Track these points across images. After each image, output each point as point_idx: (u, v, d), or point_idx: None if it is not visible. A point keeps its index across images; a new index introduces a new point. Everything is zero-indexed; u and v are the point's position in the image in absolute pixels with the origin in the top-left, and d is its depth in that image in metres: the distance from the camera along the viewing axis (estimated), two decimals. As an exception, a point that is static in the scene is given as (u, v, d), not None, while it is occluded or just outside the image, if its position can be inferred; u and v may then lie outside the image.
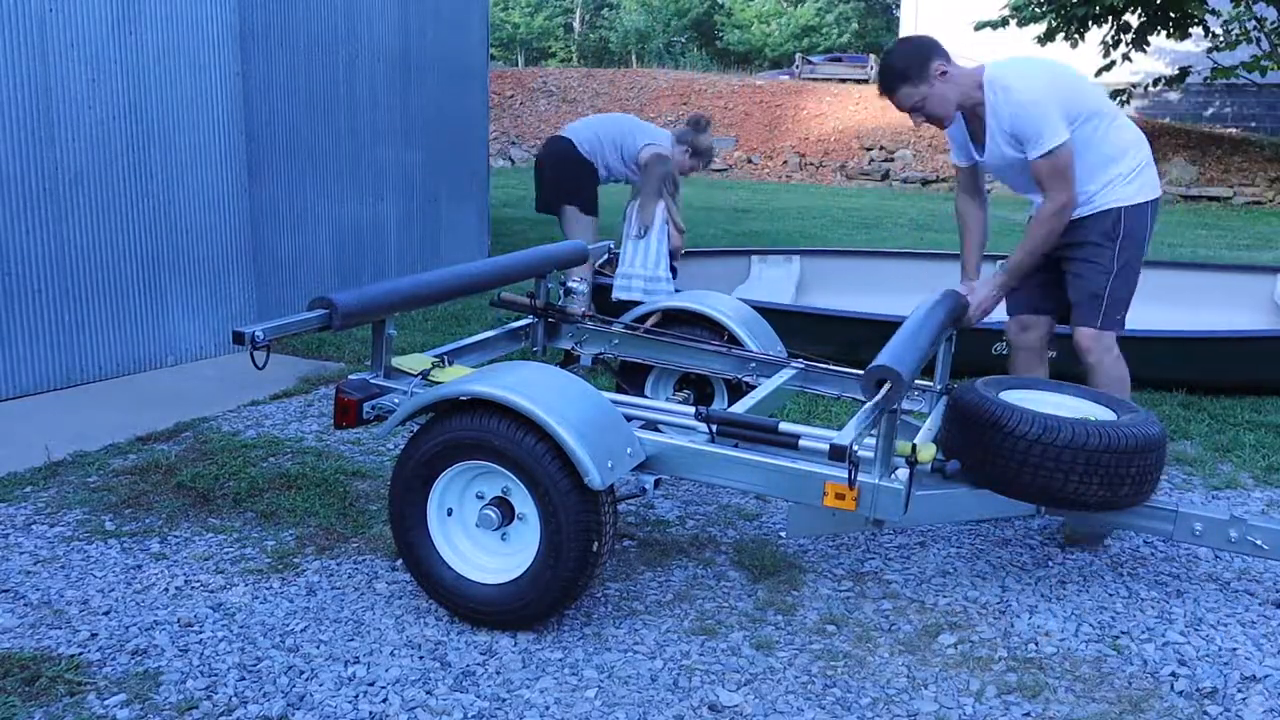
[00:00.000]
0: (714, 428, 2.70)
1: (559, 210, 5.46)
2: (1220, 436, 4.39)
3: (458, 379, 2.71)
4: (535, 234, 9.98)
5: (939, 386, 3.36)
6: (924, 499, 2.73)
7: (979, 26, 17.66)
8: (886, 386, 2.41)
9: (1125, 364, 3.48)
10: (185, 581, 2.90)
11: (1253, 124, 20.00)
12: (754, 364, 3.59)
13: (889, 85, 3.38)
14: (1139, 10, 16.36)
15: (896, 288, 6.47)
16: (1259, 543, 2.77)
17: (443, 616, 2.73)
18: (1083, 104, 3.30)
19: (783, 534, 3.33)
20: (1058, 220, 3.31)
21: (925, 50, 3.32)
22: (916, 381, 3.27)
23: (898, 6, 29.49)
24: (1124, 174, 3.36)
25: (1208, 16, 15.90)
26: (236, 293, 5.44)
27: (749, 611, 2.82)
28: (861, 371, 3.49)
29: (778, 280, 6.80)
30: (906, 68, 3.32)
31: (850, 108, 21.46)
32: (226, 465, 3.74)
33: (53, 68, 4.44)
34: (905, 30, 23.48)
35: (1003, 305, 3.61)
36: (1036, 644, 2.68)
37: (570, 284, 3.95)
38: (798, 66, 27.98)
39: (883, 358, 2.45)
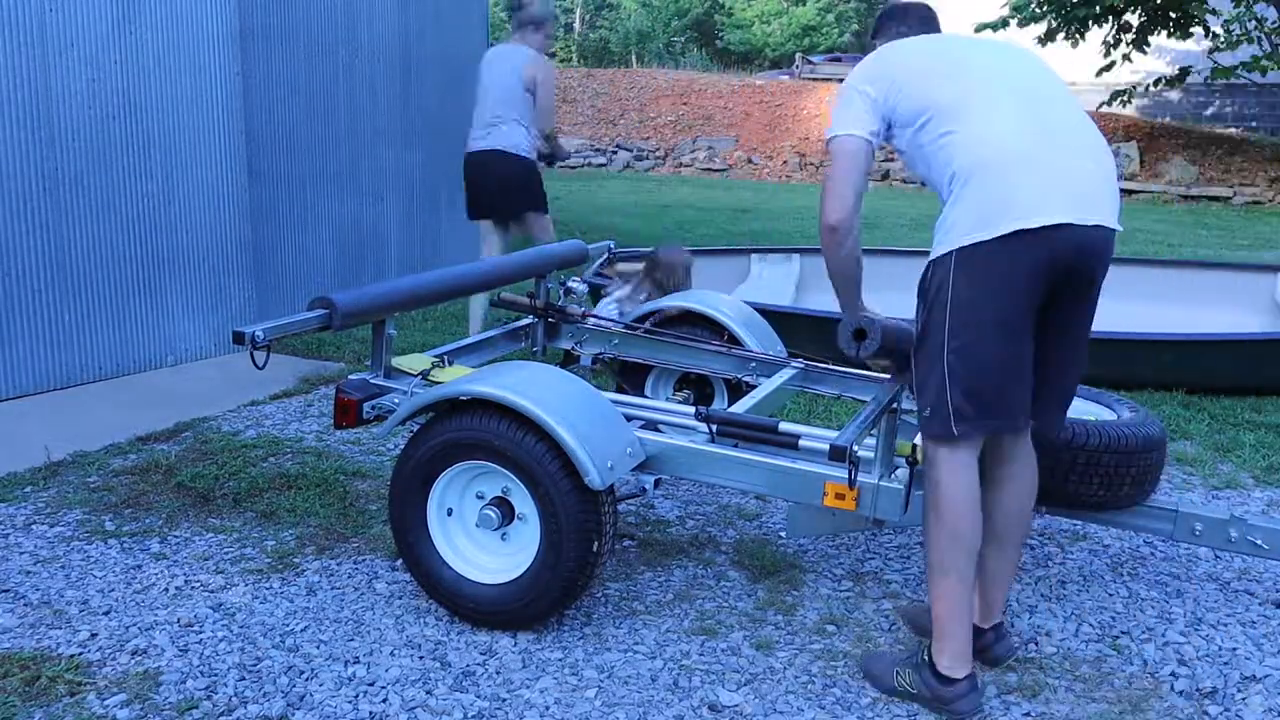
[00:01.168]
0: (714, 428, 2.70)
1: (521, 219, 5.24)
2: (1220, 436, 4.38)
3: (458, 379, 2.71)
4: (535, 234, 9.97)
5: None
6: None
7: (979, 28, 17.62)
8: (866, 339, 2.34)
9: (967, 489, 2.25)
10: (185, 581, 2.90)
11: (1253, 124, 19.98)
12: (754, 364, 3.59)
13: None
14: (1139, 10, 16.35)
15: (896, 287, 6.45)
16: (1259, 543, 2.77)
17: (443, 616, 2.73)
18: (947, 97, 2.26)
19: (783, 534, 3.33)
20: (824, 241, 2.40)
21: (877, 27, 2.62)
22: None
23: (898, 6, 29.36)
24: (968, 203, 2.19)
25: (1208, 16, 15.89)
26: (236, 293, 5.44)
27: (749, 611, 2.82)
28: (861, 372, 3.52)
29: (778, 279, 6.80)
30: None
31: (850, 108, 21.41)
32: (226, 465, 3.74)
33: (52, 68, 4.44)
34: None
35: None
36: (1036, 644, 2.68)
37: (570, 284, 3.94)
38: (798, 66, 27.93)
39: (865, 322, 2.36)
